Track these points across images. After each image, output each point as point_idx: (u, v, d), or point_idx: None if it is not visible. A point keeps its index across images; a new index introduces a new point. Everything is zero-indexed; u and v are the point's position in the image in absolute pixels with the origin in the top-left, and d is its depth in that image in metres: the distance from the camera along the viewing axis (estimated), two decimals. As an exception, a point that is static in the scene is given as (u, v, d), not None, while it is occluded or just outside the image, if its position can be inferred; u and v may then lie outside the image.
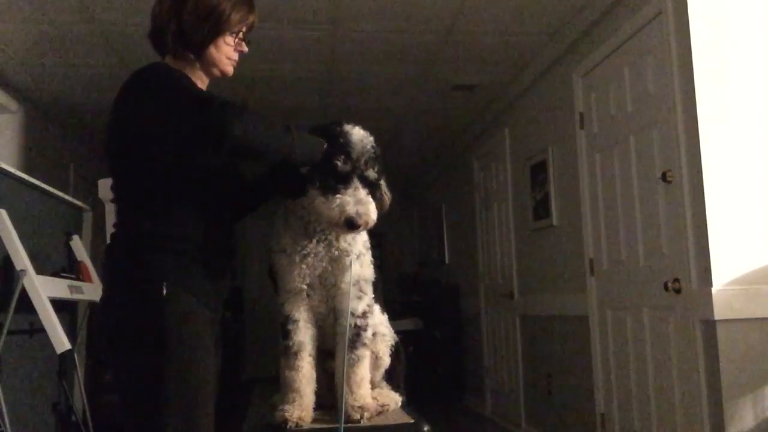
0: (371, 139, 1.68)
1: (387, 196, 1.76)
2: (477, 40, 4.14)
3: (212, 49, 1.74)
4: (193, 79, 1.75)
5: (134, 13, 3.61)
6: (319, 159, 1.61)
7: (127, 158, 1.66)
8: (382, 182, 1.74)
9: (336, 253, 1.71)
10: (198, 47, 1.72)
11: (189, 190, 1.64)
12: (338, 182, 1.60)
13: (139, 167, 1.65)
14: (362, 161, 1.62)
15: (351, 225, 1.59)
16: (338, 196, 1.60)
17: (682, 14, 2.92)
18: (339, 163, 1.60)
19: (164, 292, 1.58)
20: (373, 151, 1.65)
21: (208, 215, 1.68)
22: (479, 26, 3.94)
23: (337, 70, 4.62)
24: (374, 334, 1.86)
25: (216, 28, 1.72)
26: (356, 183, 1.61)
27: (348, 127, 1.67)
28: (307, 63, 4.46)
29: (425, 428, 1.69)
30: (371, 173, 1.64)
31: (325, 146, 1.62)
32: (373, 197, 1.65)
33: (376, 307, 1.88)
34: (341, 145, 1.62)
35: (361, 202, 1.59)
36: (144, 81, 1.63)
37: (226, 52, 1.76)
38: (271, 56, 4.24)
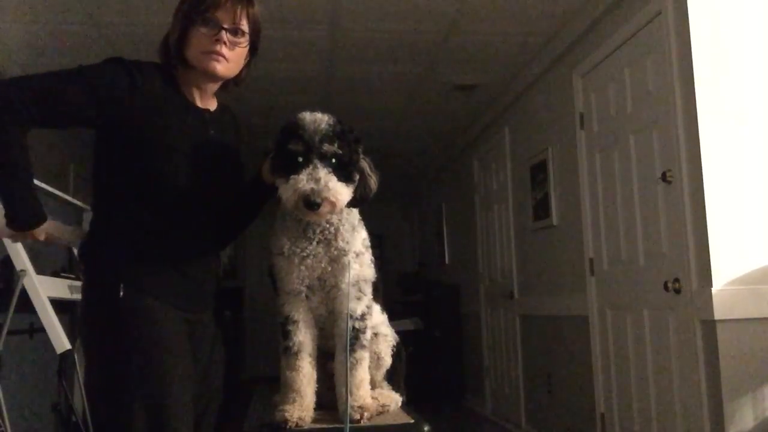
0: (328, 118, 1.62)
1: (371, 177, 1.70)
2: (477, 40, 4.14)
3: (188, 51, 1.67)
4: (187, 84, 1.72)
5: (134, 14, 3.61)
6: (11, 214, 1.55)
7: (95, 161, 1.69)
8: (364, 163, 1.69)
9: (335, 252, 1.70)
10: (175, 51, 1.68)
11: (147, 192, 1.63)
12: (296, 165, 1.56)
13: (102, 169, 1.68)
14: (316, 139, 1.57)
15: (308, 204, 1.54)
16: (293, 176, 1.56)
17: (682, 14, 2.92)
18: (292, 146, 1.57)
19: (121, 293, 1.57)
20: (329, 128, 1.59)
21: (172, 216, 1.66)
22: (479, 26, 3.94)
23: (337, 70, 4.62)
24: (376, 334, 1.86)
25: (183, 25, 1.65)
26: (315, 163, 1.56)
27: (301, 114, 1.63)
28: (307, 63, 4.46)
29: (425, 428, 1.69)
30: (329, 148, 1.57)
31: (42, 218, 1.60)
32: (348, 178, 1.61)
33: (376, 307, 1.88)
34: (292, 129, 1.59)
35: (318, 180, 1.54)
36: None
37: (200, 45, 1.65)
38: (271, 56, 4.24)
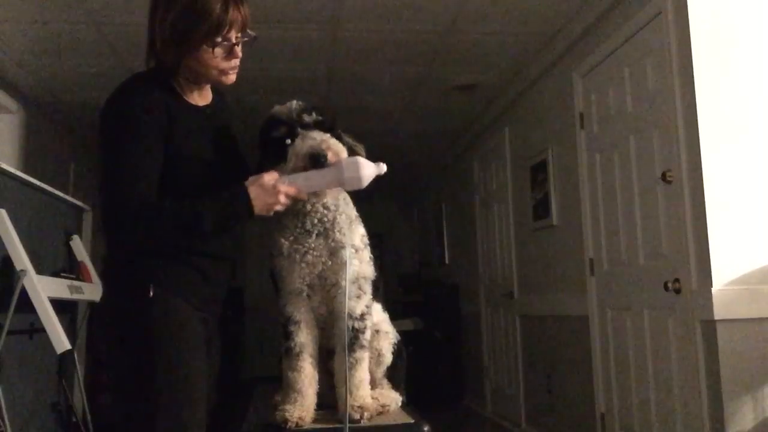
0: (296, 100, 1.69)
1: (357, 146, 1.75)
2: (477, 40, 4.14)
3: (194, 64, 1.65)
4: (187, 88, 1.72)
5: (134, 14, 3.61)
6: (247, 212, 1.59)
7: None
8: (347, 137, 1.74)
9: (333, 244, 1.70)
10: (172, 68, 1.66)
11: (177, 195, 1.64)
12: (285, 148, 1.62)
13: None
14: (294, 116, 1.64)
15: (315, 159, 1.59)
16: (289, 148, 1.62)
17: (682, 14, 2.92)
18: (275, 133, 1.63)
19: (150, 293, 1.59)
20: (301, 106, 1.66)
21: None
22: (479, 26, 3.94)
23: (337, 70, 4.62)
24: (377, 331, 1.86)
25: (183, 48, 1.61)
26: (302, 132, 1.62)
27: (270, 110, 1.71)
28: (307, 63, 4.46)
29: (425, 428, 1.69)
30: (310, 118, 1.64)
31: (245, 199, 1.60)
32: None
33: (377, 306, 1.88)
34: (269, 121, 1.67)
35: (313, 138, 1.60)
36: (107, 104, 1.65)
37: (214, 65, 1.65)
38: (271, 56, 4.24)
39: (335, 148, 1.61)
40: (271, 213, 1.62)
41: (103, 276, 1.71)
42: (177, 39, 1.61)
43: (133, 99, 1.61)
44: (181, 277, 1.64)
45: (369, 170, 1.60)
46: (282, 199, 1.59)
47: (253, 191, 1.58)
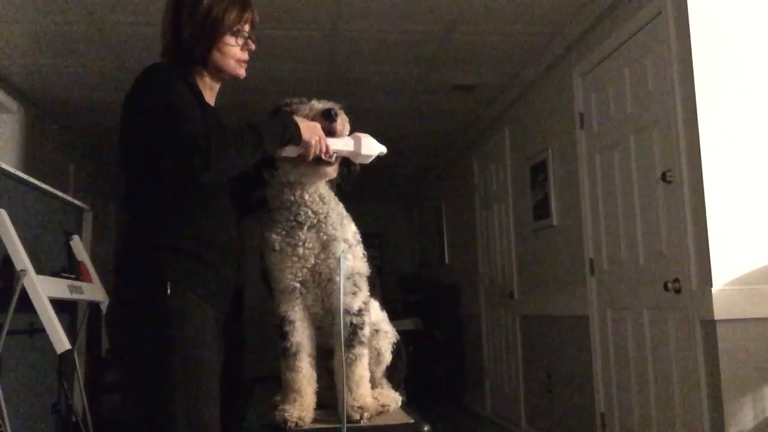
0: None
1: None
2: (477, 39, 4.14)
3: (216, 55, 1.74)
4: (202, 85, 1.75)
5: (134, 14, 3.61)
6: (290, 133, 1.67)
7: (126, 160, 1.69)
8: None
9: (325, 238, 1.70)
10: (201, 57, 1.73)
11: (189, 190, 1.65)
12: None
13: (138, 169, 1.67)
14: (303, 100, 1.81)
15: (327, 114, 1.73)
16: (301, 107, 1.78)
17: (682, 14, 2.92)
18: (287, 109, 1.77)
19: (168, 291, 1.58)
20: (305, 100, 1.83)
21: (212, 214, 1.68)
22: (479, 26, 3.94)
23: (337, 70, 4.62)
24: (377, 331, 1.85)
25: (213, 35, 1.72)
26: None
27: None
28: (307, 63, 4.46)
29: (425, 428, 1.69)
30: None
31: (289, 119, 1.70)
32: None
33: (375, 304, 1.87)
34: (277, 107, 1.82)
35: (326, 102, 1.76)
36: (135, 84, 1.67)
37: (233, 54, 1.76)
38: (271, 56, 4.24)
39: (337, 110, 1.75)
40: (302, 150, 1.68)
41: (116, 272, 1.69)
42: (209, 25, 1.71)
43: (168, 71, 1.67)
44: (196, 274, 1.64)
45: (376, 147, 1.79)
46: (321, 141, 1.70)
47: (299, 119, 1.72)
